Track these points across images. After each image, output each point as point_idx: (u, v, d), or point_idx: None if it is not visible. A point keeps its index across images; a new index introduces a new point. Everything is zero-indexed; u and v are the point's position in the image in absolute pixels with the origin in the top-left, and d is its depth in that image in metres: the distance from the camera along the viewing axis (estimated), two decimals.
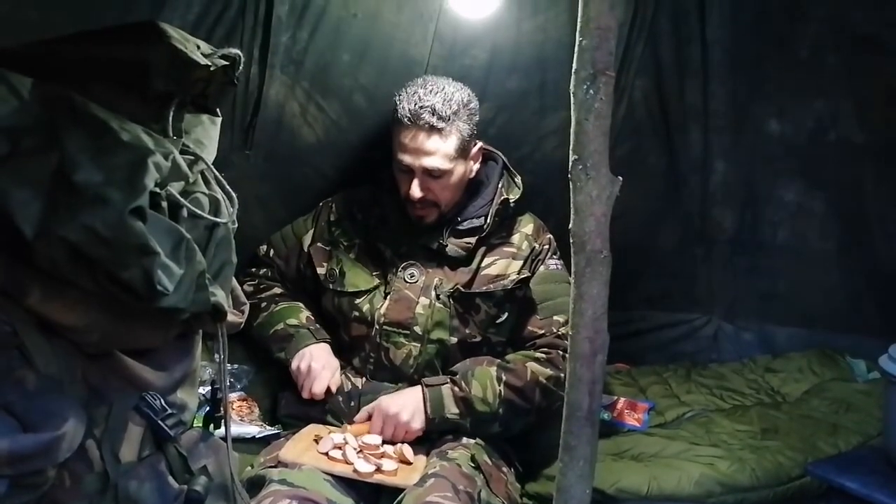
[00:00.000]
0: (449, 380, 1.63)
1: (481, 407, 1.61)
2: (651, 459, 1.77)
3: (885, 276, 2.26)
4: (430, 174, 1.65)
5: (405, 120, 1.63)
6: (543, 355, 1.69)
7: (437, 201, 1.68)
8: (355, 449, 1.53)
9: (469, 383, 1.61)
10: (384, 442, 1.59)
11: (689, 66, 2.22)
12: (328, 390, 1.66)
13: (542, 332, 1.73)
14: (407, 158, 1.65)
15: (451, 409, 1.60)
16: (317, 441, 1.56)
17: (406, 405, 1.60)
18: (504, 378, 1.63)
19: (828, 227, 2.32)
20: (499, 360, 1.68)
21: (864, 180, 2.24)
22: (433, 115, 1.61)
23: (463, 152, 1.67)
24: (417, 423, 1.59)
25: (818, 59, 2.18)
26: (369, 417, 1.63)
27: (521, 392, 1.63)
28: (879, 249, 2.27)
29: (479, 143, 1.75)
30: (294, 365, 1.67)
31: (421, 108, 1.61)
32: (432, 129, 1.62)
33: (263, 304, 1.75)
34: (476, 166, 1.75)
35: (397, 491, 1.47)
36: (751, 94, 2.27)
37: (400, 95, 1.67)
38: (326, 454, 1.52)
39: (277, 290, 1.80)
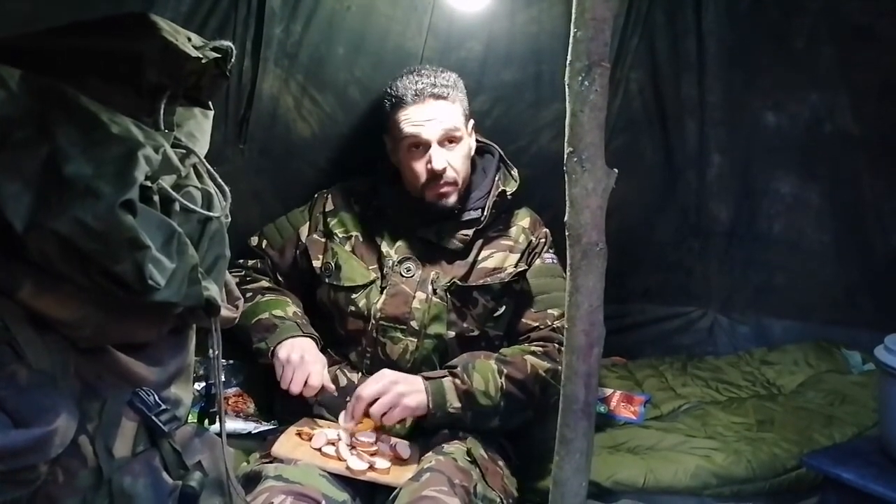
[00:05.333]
0: (449, 373, 1.61)
1: (483, 400, 1.59)
2: (647, 452, 1.78)
3: (881, 268, 2.27)
4: (447, 140, 1.65)
5: (408, 98, 1.64)
6: (540, 349, 1.69)
7: (457, 174, 1.67)
8: (348, 445, 1.52)
9: (470, 376, 1.59)
10: (380, 429, 1.57)
11: (685, 58, 2.22)
12: (322, 387, 1.62)
13: (537, 324, 1.73)
14: (421, 130, 1.64)
15: (454, 403, 1.58)
16: (299, 436, 1.55)
17: (407, 381, 1.56)
18: (505, 371, 1.62)
19: (824, 220, 2.32)
20: (496, 354, 1.67)
21: (859, 172, 2.25)
22: (434, 87, 1.65)
23: (466, 121, 1.70)
24: (412, 402, 1.54)
25: (813, 51, 2.18)
26: (367, 416, 1.61)
27: (521, 385, 1.62)
28: (875, 242, 2.27)
29: (472, 121, 1.76)
30: (283, 354, 1.61)
31: (421, 85, 1.65)
32: (438, 97, 1.65)
33: (249, 295, 1.71)
34: (474, 144, 1.75)
35: (392, 486, 1.46)
36: (746, 86, 2.27)
37: (393, 85, 1.68)
38: (319, 450, 1.51)
39: (265, 283, 1.78)
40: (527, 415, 1.66)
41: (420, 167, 1.66)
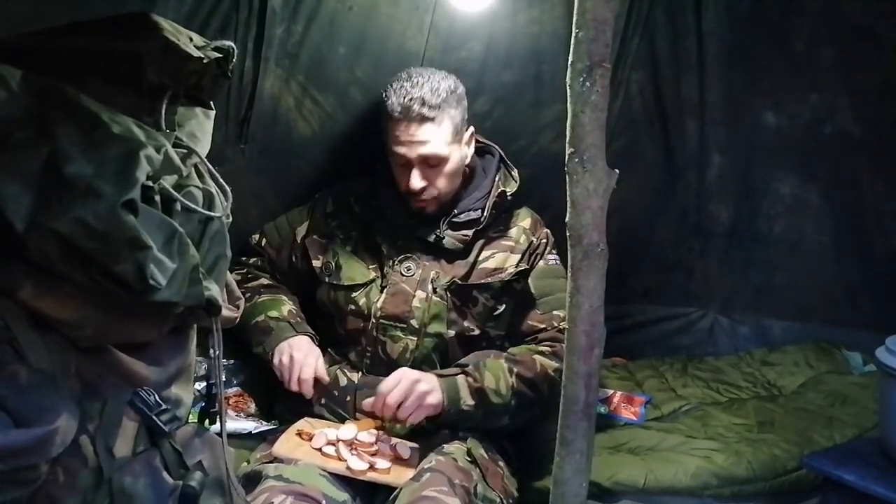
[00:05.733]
0: (462, 371, 1.62)
1: (495, 398, 1.60)
2: (647, 453, 1.78)
3: (881, 269, 2.27)
4: (428, 163, 1.64)
5: (396, 114, 1.63)
6: (548, 348, 1.70)
7: (438, 191, 1.68)
8: (348, 445, 1.52)
9: (482, 374, 1.60)
10: (381, 429, 1.58)
11: (686, 59, 2.22)
12: (317, 380, 1.64)
13: (543, 326, 1.73)
14: (403, 150, 1.64)
15: (467, 401, 1.59)
16: (300, 436, 1.56)
17: (428, 379, 1.58)
18: (515, 370, 1.63)
19: (824, 221, 2.32)
20: (505, 353, 1.68)
21: (859, 173, 2.24)
22: (423, 105, 1.62)
23: (457, 137, 1.68)
24: (433, 399, 1.56)
25: (814, 52, 2.18)
26: (370, 414, 1.61)
27: (531, 383, 1.63)
28: (875, 242, 2.27)
29: (472, 128, 1.75)
30: (276, 359, 1.65)
31: (410, 100, 1.61)
32: (424, 119, 1.62)
33: (248, 295, 1.73)
34: (470, 151, 1.75)
35: (393, 486, 1.46)
36: (747, 87, 2.27)
37: (387, 91, 1.66)
38: (320, 450, 1.51)
39: (264, 281, 1.79)
40: (533, 413, 1.67)
41: (403, 181, 1.68)
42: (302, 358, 1.63)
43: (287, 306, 1.73)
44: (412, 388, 1.55)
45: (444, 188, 1.69)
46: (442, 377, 1.60)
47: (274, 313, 1.71)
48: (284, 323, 1.69)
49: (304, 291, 1.82)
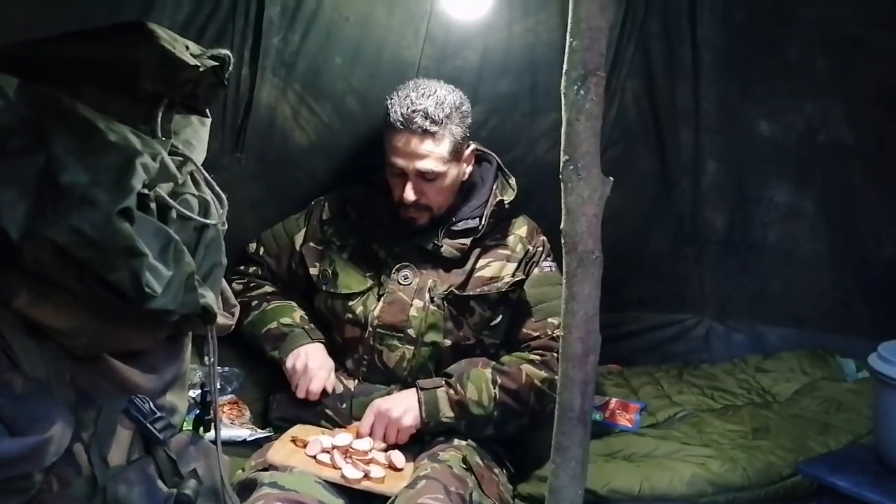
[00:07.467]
0: (444, 382, 1.63)
1: (476, 410, 1.61)
2: (643, 460, 1.78)
3: (875, 276, 2.27)
4: (424, 177, 1.65)
5: (398, 124, 1.63)
6: (538, 357, 1.69)
7: (430, 205, 1.68)
8: (343, 453, 1.52)
9: (464, 386, 1.61)
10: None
11: (680, 67, 2.23)
12: (324, 391, 1.66)
13: (537, 334, 1.73)
14: (400, 162, 1.64)
15: (447, 413, 1.60)
16: (294, 443, 1.56)
17: (397, 403, 1.60)
18: (499, 381, 1.63)
19: (818, 228, 2.33)
20: (493, 362, 1.68)
21: (853, 181, 2.25)
22: (426, 118, 1.61)
23: (456, 155, 1.67)
24: (409, 420, 1.59)
25: (808, 61, 2.19)
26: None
27: (515, 395, 1.63)
28: (869, 250, 2.28)
29: (473, 146, 1.75)
30: (289, 364, 1.67)
31: (413, 111, 1.61)
32: (425, 133, 1.62)
33: (254, 303, 1.74)
34: (469, 169, 1.75)
35: (387, 495, 1.46)
36: (741, 95, 2.28)
37: (392, 99, 1.66)
38: (314, 458, 1.51)
39: (269, 289, 1.79)
40: (521, 423, 1.67)
41: (397, 191, 1.68)
42: (315, 369, 1.65)
43: (298, 312, 1.75)
44: (385, 419, 1.59)
45: (438, 203, 1.69)
46: (424, 390, 1.61)
47: (286, 320, 1.72)
48: (299, 329, 1.71)
49: (302, 297, 1.81)
